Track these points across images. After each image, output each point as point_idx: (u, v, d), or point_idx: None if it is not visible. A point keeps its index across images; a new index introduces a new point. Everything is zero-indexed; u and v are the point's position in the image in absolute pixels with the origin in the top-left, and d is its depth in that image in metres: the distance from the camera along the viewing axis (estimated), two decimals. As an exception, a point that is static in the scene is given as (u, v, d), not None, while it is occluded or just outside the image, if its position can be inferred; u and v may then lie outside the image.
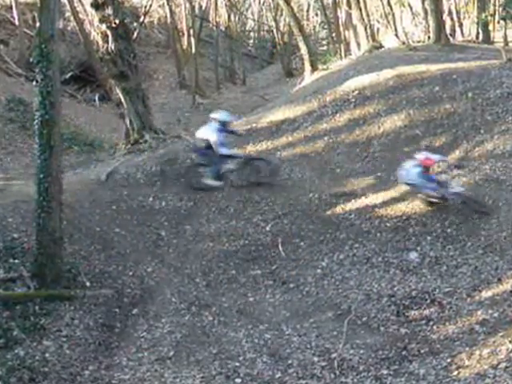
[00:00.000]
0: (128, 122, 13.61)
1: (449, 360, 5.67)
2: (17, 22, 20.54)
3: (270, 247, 9.49)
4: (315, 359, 6.63)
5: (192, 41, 23.52)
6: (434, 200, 9.29)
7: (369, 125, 11.94)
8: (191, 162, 11.25)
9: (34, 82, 8.15)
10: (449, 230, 8.69)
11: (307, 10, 29.75)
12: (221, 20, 28.38)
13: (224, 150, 10.65)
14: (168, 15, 25.18)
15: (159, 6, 26.86)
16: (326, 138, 12.05)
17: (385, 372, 6.07)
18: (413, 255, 8.49)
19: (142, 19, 23.66)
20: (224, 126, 10.77)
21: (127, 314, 7.83)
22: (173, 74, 24.77)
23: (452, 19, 17.78)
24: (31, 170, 10.37)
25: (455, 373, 5.45)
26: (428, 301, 7.22)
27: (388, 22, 17.76)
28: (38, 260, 7.80)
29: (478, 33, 17.13)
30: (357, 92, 12.77)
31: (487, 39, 16.70)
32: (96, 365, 6.79)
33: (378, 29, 19.10)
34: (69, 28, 21.70)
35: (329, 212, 10.06)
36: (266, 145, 12.28)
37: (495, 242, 8.06)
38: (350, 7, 18.09)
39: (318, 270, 8.68)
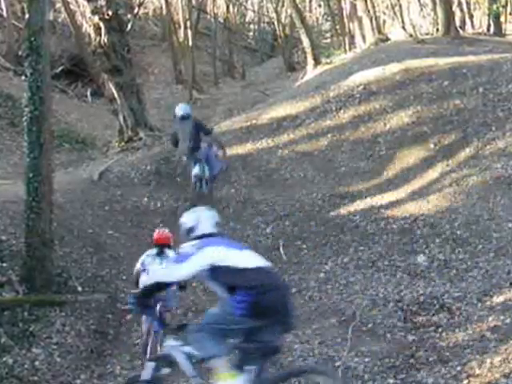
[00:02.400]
0: (122, 119, 13.63)
1: (459, 368, 5.65)
2: (5, 14, 20.55)
3: (271, 250, 9.49)
4: (318, 367, 6.63)
5: (189, 33, 23.54)
6: None
7: (374, 121, 11.94)
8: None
9: (23, 77, 8.18)
10: (458, 232, 8.68)
11: (310, 1, 29.75)
12: (219, 11, 28.41)
13: None
14: (164, 6, 25.19)
15: (154, -3, 26.90)
16: (329, 136, 12.06)
17: (391, 381, 6.07)
18: (420, 258, 8.49)
19: (136, 10, 23.63)
20: None
21: (121, 320, 7.84)
22: (169, 68, 24.77)
23: (462, 10, 17.81)
24: (20, 169, 10.37)
25: (465, 382, 5.44)
26: (437, 306, 7.21)
27: (395, 13, 17.80)
28: (27, 263, 7.80)
29: (489, 25, 17.16)
30: (362, 87, 12.77)
31: (499, 31, 16.74)
32: (88, 373, 6.79)
33: (384, 21, 19.10)
34: (59, 20, 21.69)
35: (332, 213, 10.07)
36: (266, 142, 12.29)
37: (507, 245, 8.06)
38: (354, -2, 18.13)
39: (321, 274, 8.68)
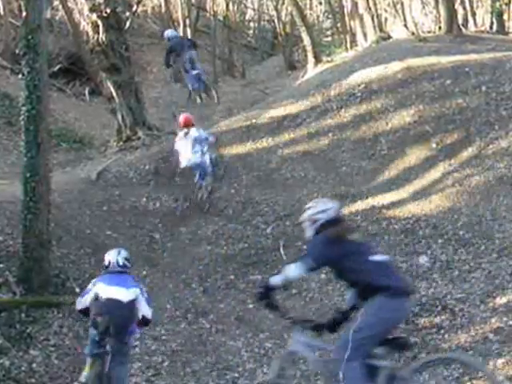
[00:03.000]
0: (120, 118, 13.59)
1: (461, 371, 5.66)
2: (2, 12, 20.52)
3: (271, 251, 9.49)
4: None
5: (188, 31, 23.53)
6: None
7: (376, 121, 11.94)
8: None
9: (20, 75, 8.17)
10: (461, 233, 8.69)
11: (310, -1, 29.73)
12: (219, 9, 28.35)
13: None
14: (162, 4, 25.19)
15: (153, -5, 26.84)
16: (330, 135, 12.05)
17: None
18: (423, 259, 8.50)
19: (134, 8, 23.63)
20: None
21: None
22: (168, 66, 24.71)
23: (464, 8, 17.76)
24: (17, 169, 10.37)
25: (468, 384, 5.45)
26: (439, 308, 7.22)
27: (396, 11, 17.76)
28: (24, 264, 7.80)
29: (491, 23, 17.11)
30: (363, 86, 12.77)
31: (501, 29, 16.69)
32: (86, 375, 6.78)
33: (385, 18, 19.05)
34: (57, 17, 21.62)
35: (333, 213, 10.05)
36: (266, 142, 12.29)
37: (510, 246, 8.06)
38: (355, -5, 18.10)
39: (322, 275, 8.67)
